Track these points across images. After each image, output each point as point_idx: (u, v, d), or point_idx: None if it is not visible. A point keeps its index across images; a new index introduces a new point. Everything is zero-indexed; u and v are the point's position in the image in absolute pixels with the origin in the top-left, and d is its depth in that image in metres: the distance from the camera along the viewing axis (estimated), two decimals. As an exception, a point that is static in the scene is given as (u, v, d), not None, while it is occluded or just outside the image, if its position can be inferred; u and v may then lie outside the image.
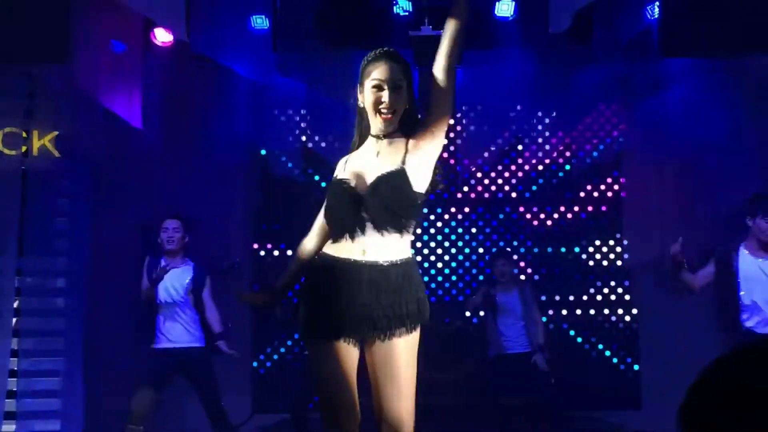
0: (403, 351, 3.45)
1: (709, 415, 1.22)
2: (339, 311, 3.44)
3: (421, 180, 3.47)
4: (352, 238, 3.47)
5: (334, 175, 3.67)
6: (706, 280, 6.15)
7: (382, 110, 3.56)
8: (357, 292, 3.44)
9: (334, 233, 3.56)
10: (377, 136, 3.63)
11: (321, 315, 3.48)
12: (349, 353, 3.47)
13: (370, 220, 3.45)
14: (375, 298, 3.44)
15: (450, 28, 3.51)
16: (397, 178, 3.45)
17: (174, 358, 6.37)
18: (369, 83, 3.59)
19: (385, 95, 3.55)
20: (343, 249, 3.48)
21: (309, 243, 3.74)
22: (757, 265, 5.90)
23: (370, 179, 3.51)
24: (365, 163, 3.59)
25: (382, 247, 3.46)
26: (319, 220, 3.71)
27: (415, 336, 3.50)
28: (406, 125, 3.65)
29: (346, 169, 3.64)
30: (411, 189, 3.46)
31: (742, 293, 5.90)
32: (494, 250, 8.41)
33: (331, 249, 3.54)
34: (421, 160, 3.49)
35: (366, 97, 3.61)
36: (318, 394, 3.60)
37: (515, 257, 8.20)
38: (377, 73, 3.58)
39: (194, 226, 6.82)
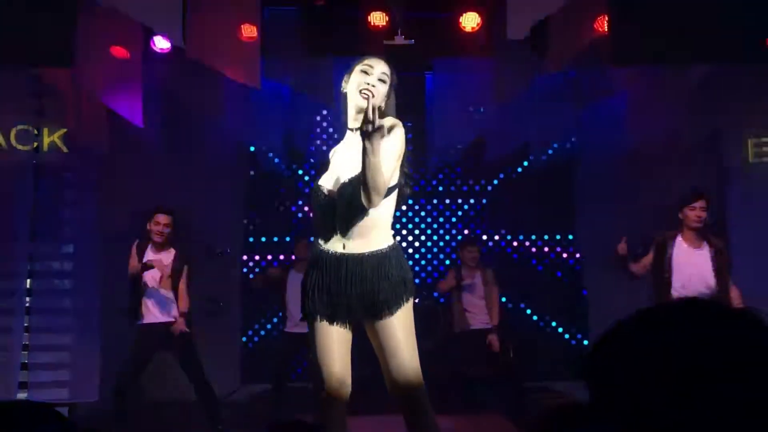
0: (398, 328, 3.49)
1: (609, 369, 1.17)
2: (326, 297, 3.52)
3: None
4: (333, 234, 3.52)
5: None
6: (647, 267, 6.33)
7: (364, 91, 3.50)
8: (339, 281, 3.50)
9: (317, 228, 3.61)
10: (352, 129, 3.58)
11: (313, 299, 3.55)
12: (339, 332, 3.53)
13: (339, 220, 3.49)
14: (353, 287, 3.49)
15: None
16: (359, 182, 3.40)
17: (157, 332, 6.43)
18: (359, 68, 3.58)
19: (370, 79, 3.54)
20: (329, 242, 3.54)
21: None
22: (690, 254, 6.06)
23: (336, 182, 3.52)
24: (343, 159, 3.56)
25: (360, 240, 3.49)
26: None
27: (404, 312, 3.52)
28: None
29: (330, 167, 3.62)
30: None
31: (673, 278, 6.03)
32: (459, 237, 8.75)
33: (319, 244, 3.59)
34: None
35: (352, 81, 3.59)
36: (313, 365, 3.66)
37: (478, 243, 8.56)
38: (369, 61, 3.59)
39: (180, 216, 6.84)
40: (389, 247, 3.56)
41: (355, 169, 3.43)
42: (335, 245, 3.53)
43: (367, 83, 3.52)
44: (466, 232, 8.92)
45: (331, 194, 3.52)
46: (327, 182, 3.57)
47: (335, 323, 3.55)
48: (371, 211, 3.44)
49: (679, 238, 6.13)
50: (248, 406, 7.85)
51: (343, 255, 3.51)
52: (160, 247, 6.60)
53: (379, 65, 3.58)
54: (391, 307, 3.50)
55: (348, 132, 3.63)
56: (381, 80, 3.56)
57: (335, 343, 3.54)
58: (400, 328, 3.50)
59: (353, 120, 3.58)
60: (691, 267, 6.04)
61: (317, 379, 3.56)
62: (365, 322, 3.56)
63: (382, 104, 3.51)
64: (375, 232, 3.52)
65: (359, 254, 3.51)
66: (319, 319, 3.56)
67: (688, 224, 6.07)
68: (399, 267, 3.57)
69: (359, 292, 3.50)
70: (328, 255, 3.54)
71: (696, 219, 6.05)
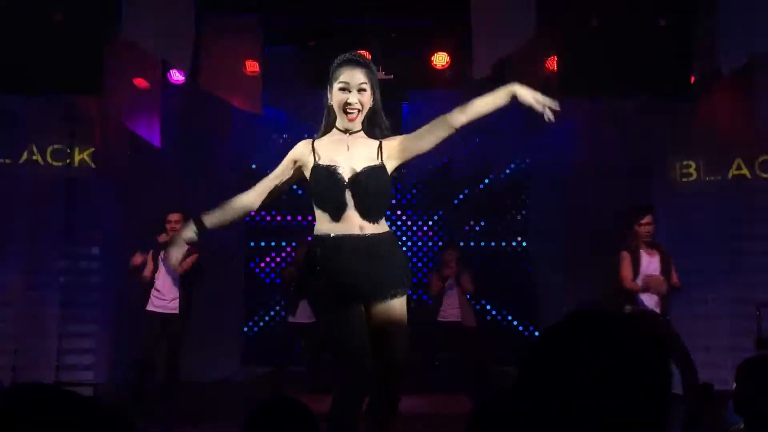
0: (401, 310, 3.40)
1: (539, 361, 1.21)
2: (352, 280, 3.31)
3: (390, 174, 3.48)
4: (347, 216, 3.35)
5: (305, 155, 3.44)
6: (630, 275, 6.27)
7: (348, 110, 3.41)
8: (361, 261, 3.32)
9: (329, 212, 3.38)
10: (345, 131, 3.47)
11: (338, 286, 3.32)
12: (361, 312, 3.35)
13: (358, 203, 3.36)
14: (376, 266, 3.34)
15: (479, 108, 3.41)
16: (379, 171, 3.39)
17: (158, 319, 6.61)
18: (336, 86, 3.42)
19: (350, 97, 3.40)
20: (342, 227, 3.36)
21: (245, 198, 3.54)
22: (649, 261, 6.15)
23: (351, 169, 3.37)
24: (340, 155, 3.42)
25: (372, 223, 3.38)
26: (264, 184, 3.52)
27: (404, 298, 3.42)
28: (372, 125, 3.49)
29: (321, 156, 3.42)
30: (389, 180, 3.46)
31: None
32: (430, 243, 9.15)
33: (331, 228, 3.37)
34: (389, 163, 3.45)
35: (334, 98, 3.44)
36: (341, 351, 3.33)
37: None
38: (343, 76, 3.41)
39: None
40: (391, 231, 3.54)
41: (366, 162, 3.40)
42: (351, 228, 3.37)
43: (348, 103, 3.41)
44: (435, 238, 9.31)
45: (345, 181, 3.38)
46: (341, 168, 3.40)
47: (357, 306, 3.36)
48: (384, 199, 3.45)
49: (641, 252, 6.22)
50: (247, 385, 8.09)
51: (364, 236, 3.36)
52: None
53: (354, 77, 3.42)
54: (398, 288, 3.41)
55: (334, 130, 3.50)
56: (361, 90, 3.42)
57: (361, 326, 3.35)
58: (402, 311, 3.41)
59: (344, 126, 3.47)
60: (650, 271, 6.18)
61: (351, 362, 3.28)
62: (369, 302, 3.39)
63: (369, 103, 3.46)
64: (383, 218, 3.46)
65: (377, 234, 3.40)
66: (345, 307, 3.33)
67: (641, 238, 6.18)
68: (402, 250, 3.60)
69: (377, 271, 3.35)
70: (348, 238, 3.35)
71: (645, 234, 6.19)
